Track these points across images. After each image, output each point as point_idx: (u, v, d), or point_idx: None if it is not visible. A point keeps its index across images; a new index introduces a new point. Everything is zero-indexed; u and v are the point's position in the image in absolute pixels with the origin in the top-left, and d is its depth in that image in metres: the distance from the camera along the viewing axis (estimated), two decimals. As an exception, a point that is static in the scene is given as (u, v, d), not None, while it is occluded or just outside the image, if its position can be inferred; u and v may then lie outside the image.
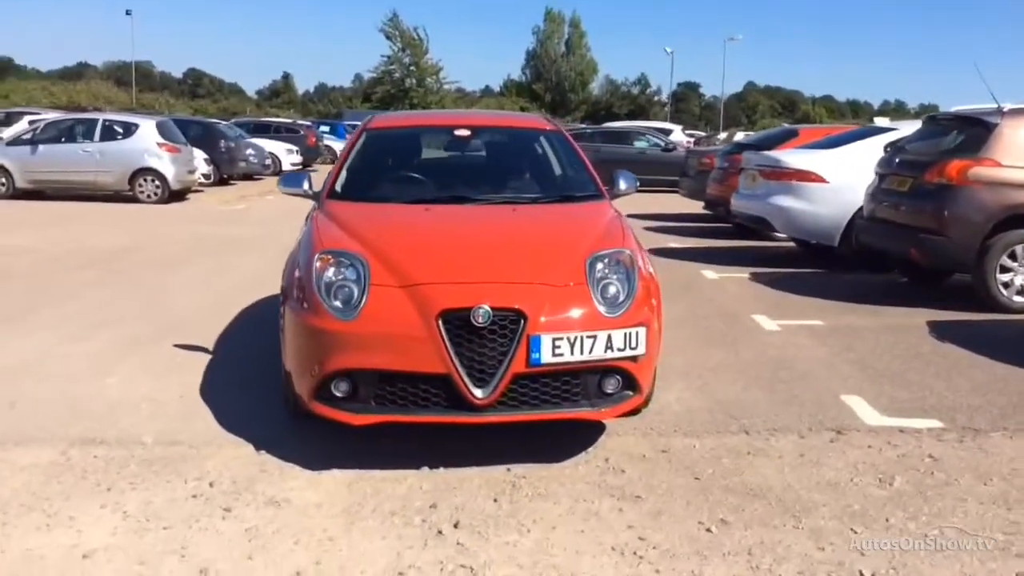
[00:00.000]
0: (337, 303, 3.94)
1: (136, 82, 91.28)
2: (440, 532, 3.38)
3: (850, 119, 76.67)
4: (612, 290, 4.06)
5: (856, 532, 3.43)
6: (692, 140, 28.90)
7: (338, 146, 30.44)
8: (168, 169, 17.40)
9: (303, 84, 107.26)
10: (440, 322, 3.77)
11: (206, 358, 5.62)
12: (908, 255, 7.72)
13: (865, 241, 8.49)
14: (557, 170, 5.61)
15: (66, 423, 4.48)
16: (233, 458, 4.09)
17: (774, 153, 10.40)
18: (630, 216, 15.07)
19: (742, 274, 9.26)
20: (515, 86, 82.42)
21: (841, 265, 9.46)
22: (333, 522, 3.47)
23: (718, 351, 6.03)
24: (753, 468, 4.05)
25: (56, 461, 4.01)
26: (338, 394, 3.92)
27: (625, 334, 3.93)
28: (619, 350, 3.92)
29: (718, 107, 77.89)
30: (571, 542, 3.33)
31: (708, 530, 3.44)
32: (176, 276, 8.92)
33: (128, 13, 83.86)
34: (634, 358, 3.98)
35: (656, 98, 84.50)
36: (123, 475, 3.88)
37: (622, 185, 5.35)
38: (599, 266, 4.11)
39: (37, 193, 17.55)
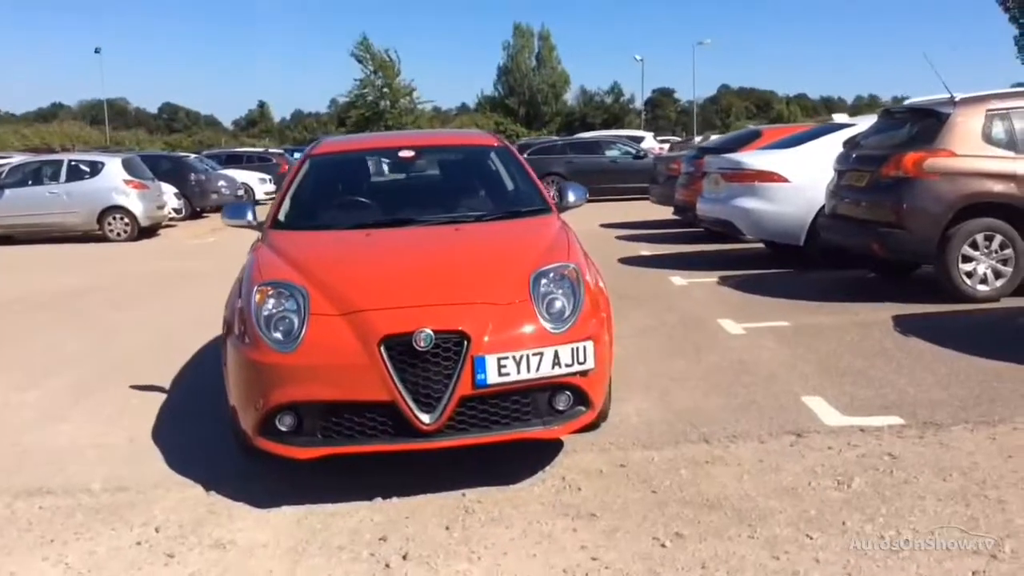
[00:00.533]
0: (278, 335, 3.87)
1: (110, 120, 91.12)
2: (388, 566, 3.31)
3: (825, 116, 77.13)
4: (558, 305, 4.00)
5: (811, 538, 3.37)
6: (666, 146, 28.95)
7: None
8: (136, 206, 17.30)
9: (280, 112, 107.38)
10: (382, 348, 3.71)
11: (160, 398, 5.52)
12: (870, 250, 7.70)
13: (828, 238, 8.48)
14: (503, 186, 5.56)
15: (11, 473, 4.38)
16: (181, 500, 4.01)
17: (735, 155, 10.39)
18: (602, 226, 15.43)
19: (710, 278, 9.22)
20: (488, 102, 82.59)
21: (809, 264, 9.44)
22: (278, 562, 3.38)
23: (680, 359, 5.98)
24: (711, 478, 3.98)
25: (0, 514, 3.92)
26: (283, 428, 3.85)
27: (572, 349, 3.87)
28: (567, 366, 3.85)
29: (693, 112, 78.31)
30: (522, 567, 3.26)
31: (662, 545, 3.37)
32: (133, 314, 8.81)
33: (97, 51, 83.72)
34: (584, 373, 3.91)
35: (631, 106, 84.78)
36: (68, 525, 3.79)
37: (571, 197, 5.30)
38: (543, 281, 4.05)
39: (7, 238, 17.39)
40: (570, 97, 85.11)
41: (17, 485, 4.22)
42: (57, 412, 5.37)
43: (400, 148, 5.69)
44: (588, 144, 24.30)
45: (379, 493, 3.92)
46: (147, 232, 17.69)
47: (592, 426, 4.45)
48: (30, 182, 17.75)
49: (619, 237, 13.96)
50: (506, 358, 3.75)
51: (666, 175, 15.16)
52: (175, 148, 53.31)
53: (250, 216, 5.01)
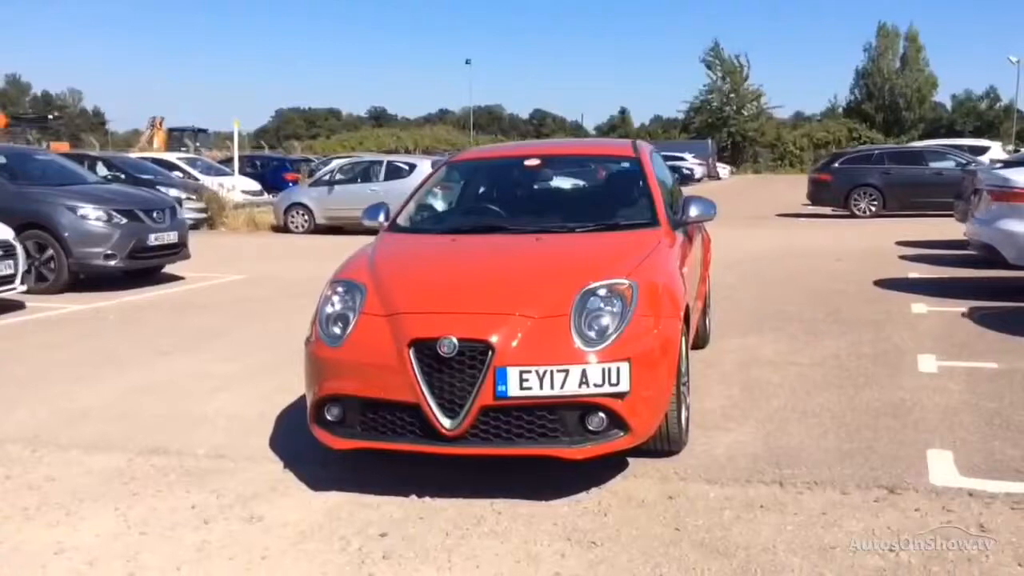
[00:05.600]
0: (336, 330, 4.11)
1: (488, 124, 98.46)
2: (363, 562, 3.41)
3: None
4: (603, 322, 3.87)
5: (801, 605, 3.01)
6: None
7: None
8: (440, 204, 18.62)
9: (640, 118, 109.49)
10: (411, 351, 3.81)
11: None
12: None
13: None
14: (618, 198, 5.39)
15: (152, 432, 5.01)
16: (259, 474, 4.37)
17: (1003, 171, 9.12)
18: (898, 243, 14.18)
19: (959, 308, 8.19)
20: (844, 106, 78.52)
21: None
22: (280, 542, 3.61)
23: (834, 393, 5.44)
24: (750, 524, 3.65)
25: (119, 467, 4.52)
26: (330, 418, 4.08)
27: (604, 369, 3.73)
28: (596, 386, 3.73)
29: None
30: (480, 583, 3.23)
31: (634, 585, 3.18)
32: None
33: (468, 62, 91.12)
34: (619, 395, 3.76)
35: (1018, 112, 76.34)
36: (157, 483, 4.28)
37: (692, 212, 5.03)
38: (592, 297, 3.94)
39: (337, 228, 19.46)
40: (938, 102, 78.66)
41: (149, 443, 4.82)
42: (230, 384, 6.03)
43: (528, 157, 5.73)
44: (911, 154, 22.32)
45: (419, 490, 4.03)
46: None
47: (662, 453, 4.28)
48: (359, 179, 19.70)
49: (903, 256, 12.79)
50: (528, 372, 3.71)
51: (971, 190, 13.60)
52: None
53: (382, 217, 5.29)
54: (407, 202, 5.40)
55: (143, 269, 11.01)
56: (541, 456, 3.88)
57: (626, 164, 5.55)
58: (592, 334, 3.83)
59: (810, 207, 22.48)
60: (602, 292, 3.96)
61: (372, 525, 3.74)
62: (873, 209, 20.54)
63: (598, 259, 4.35)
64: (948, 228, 16.41)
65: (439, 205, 5.50)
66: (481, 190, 5.77)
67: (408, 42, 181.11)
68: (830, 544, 3.45)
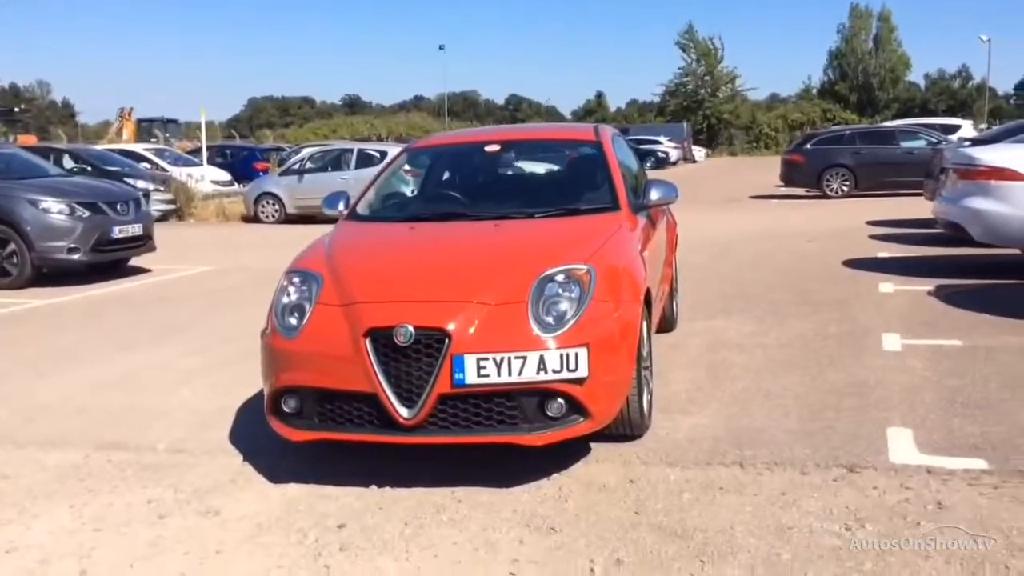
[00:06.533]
0: (291, 321, 4.06)
1: (464, 110, 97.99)
2: (319, 554, 3.38)
3: None
4: (561, 307, 3.84)
5: (756, 586, 3.00)
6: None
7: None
8: (409, 191, 18.54)
9: (616, 101, 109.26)
10: (367, 341, 3.77)
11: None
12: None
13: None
14: (578, 182, 5.35)
15: (109, 427, 4.94)
16: (218, 467, 4.32)
17: (968, 149, 9.16)
18: (868, 223, 14.26)
19: (925, 287, 8.23)
20: (817, 88, 78.84)
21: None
22: (236, 535, 3.57)
23: (797, 374, 5.44)
24: (709, 507, 3.65)
25: (75, 463, 4.45)
26: (287, 410, 4.04)
27: (562, 355, 3.70)
28: (555, 372, 3.70)
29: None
30: (435, 574, 3.21)
31: (591, 570, 3.17)
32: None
33: (441, 48, 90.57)
34: (578, 380, 3.73)
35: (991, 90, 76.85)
36: (114, 479, 4.21)
37: (653, 196, 5.00)
38: (550, 283, 3.91)
39: (308, 218, 19.31)
40: (912, 81, 79.10)
41: (107, 439, 4.76)
42: (192, 377, 5.96)
43: (488, 143, 5.68)
44: (882, 133, 22.38)
45: (379, 480, 3.99)
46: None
47: (624, 437, 4.28)
48: (329, 168, 19.54)
49: (872, 236, 12.85)
50: (486, 359, 3.68)
51: (940, 168, 13.66)
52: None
53: (342, 206, 5.23)
54: (366, 190, 5.33)
55: (108, 262, 10.88)
56: (500, 443, 3.85)
57: (587, 148, 5.50)
58: (550, 320, 3.80)
59: (783, 188, 22.55)
60: (560, 278, 3.93)
61: (330, 516, 3.70)
62: (845, 189, 20.63)
63: (556, 245, 4.32)
64: (919, 207, 16.49)
65: (398, 193, 5.45)
66: (441, 177, 5.72)
67: (382, 28, 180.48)
68: (788, 524, 3.45)
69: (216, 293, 9.70)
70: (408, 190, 5.47)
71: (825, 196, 20.64)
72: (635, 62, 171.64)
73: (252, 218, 19.29)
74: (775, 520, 3.49)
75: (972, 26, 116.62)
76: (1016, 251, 9.57)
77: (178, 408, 5.27)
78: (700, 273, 9.45)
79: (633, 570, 3.15)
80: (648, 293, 4.47)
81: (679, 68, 72.74)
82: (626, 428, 4.23)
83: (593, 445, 4.28)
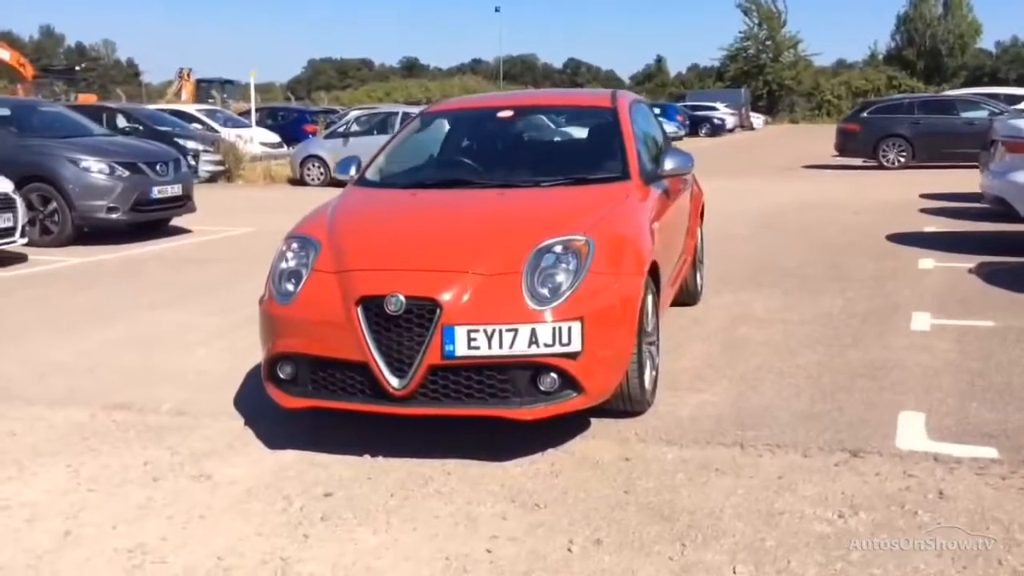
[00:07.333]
0: (288, 287, 4.03)
1: (521, 74, 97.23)
2: (299, 524, 3.36)
3: None
4: (557, 279, 3.75)
5: (734, 573, 2.91)
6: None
7: (670, 129, 30.24)
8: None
9: (676, 66, 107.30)
10: (359, 309, 3.73)
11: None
12: None
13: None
14: (590, 150, 5.23)
15: (120, 388, 4.99)
16: (218, 431, 4.33)
17: (1017, 120, 8.79)
18: (922, 196, 13.80)
19: (967, 264, 7.95)
20: (883, 55, 76.80)
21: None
22: (223, 501, 3.57)
23: (817, 352, 5.29)
24: (702, 488, 3.56)
25: (80, 422, 4.50)
26: (283, 376, 4.02)
27: (555, 329, 3.63)
28: (547, 345, 3.62)
29: None
30: (412, 547, 3.16)
31: (569, 550, 3.10)
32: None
33: (497, 10, 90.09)
34: (571, 355, 3.65)
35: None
36: (116, 440, 4.25)
37: (668, 166, 4.85)
38: (547, 254, 3.81)
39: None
40: (982, 48, 76.62)
41: (114, 398, 4.80)
42: (211, 339, 5.99)
43: (502, 108, 5.56)
44: (941, 103, 21.68)
45: (374, 450, 3.96)
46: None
47: (625, 414, 4.20)
48: (375, 131, 19.53)
49: (923, 209, 12.48)
50: (477, 331, 3.62)
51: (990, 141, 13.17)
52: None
53: (353, 171, 5.17)
54: (376, 155, 5.27)
55: (149, 222, 11.01)
56: (491, 417, 3.79)
57: (601, 115, 5.35)
58: (545, 292, 3.72)
59: (839, 158, 22.00)
60: (557, 249, 3.84)
61: (319, 485, 3.68)
62: (902, 160, 20.07)
63: (557, 214, 4.22)
64: (976, 181, 15.95)
65: (408, 158, 5.36)
66: (452, 142, 5.62)
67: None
68: (779, 509, 3.34)
69: (254, 255, 9.71)
70: (418, 156, 5.38)
71: (881, 167, 20.11)
72: (696, 26, 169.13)
73: (298, 180, 19.39)
74: (767, 504, 3.38)
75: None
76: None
77: (190, 370, 5.30)
78: (736, 245, 9.26)
79: (611, 551, 3.08)
80: (655, 266, 4.35)
81: (740, 32, 71.50)
82: (626, 404, 4.14)
83: (593, 421, 4.21)
